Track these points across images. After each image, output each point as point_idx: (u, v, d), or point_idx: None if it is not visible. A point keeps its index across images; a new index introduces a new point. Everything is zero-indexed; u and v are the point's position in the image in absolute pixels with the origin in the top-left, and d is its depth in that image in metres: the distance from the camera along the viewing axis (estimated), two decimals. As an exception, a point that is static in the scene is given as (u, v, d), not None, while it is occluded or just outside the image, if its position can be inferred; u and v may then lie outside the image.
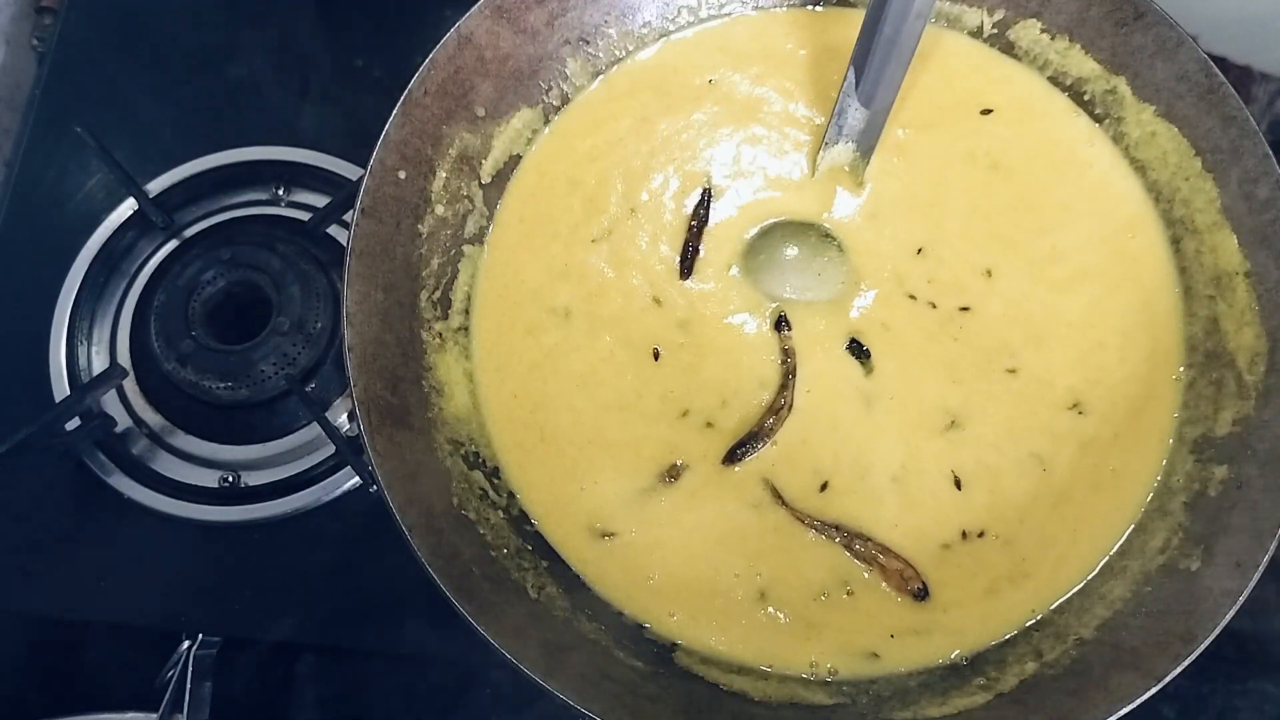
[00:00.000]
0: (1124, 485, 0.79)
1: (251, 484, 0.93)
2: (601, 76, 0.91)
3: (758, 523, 0.79)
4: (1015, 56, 0.91)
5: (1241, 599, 0.67)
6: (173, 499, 0.92)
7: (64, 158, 1.05)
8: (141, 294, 0.98)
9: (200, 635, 0.88)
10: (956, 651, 0.76)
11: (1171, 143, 0.84)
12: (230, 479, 0.93)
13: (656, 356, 0.83)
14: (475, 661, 0.88)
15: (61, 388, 0.95)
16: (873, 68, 0.77)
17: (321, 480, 0.93)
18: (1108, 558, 0.78)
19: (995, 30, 0.91)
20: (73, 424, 0.93)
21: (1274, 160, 0.78)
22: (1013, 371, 0.82)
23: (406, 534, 0.69)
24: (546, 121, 0.90)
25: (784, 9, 0.93)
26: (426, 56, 0.80)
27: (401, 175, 0.80)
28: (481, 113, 0.85)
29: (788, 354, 0.82)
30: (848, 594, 0.77)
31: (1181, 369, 0.82)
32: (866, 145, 0.84)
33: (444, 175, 0.83)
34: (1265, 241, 0.78)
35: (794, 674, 0.76)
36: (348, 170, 1.02)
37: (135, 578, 0.91)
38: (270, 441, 0.94)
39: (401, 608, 0.89)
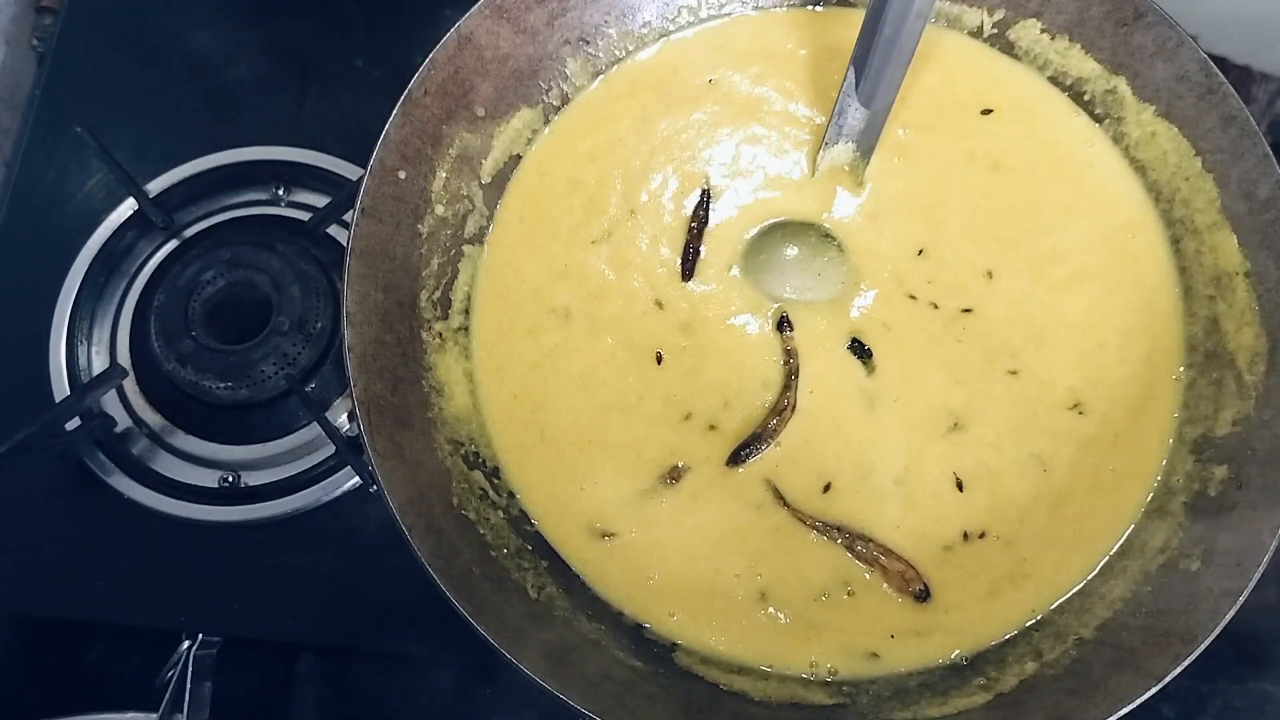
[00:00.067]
0: (1124, 485, 0.79)
1: (251, 484, 0.93)
2: (601, 76, 0.91)
3: (759, 523, 0.79)
4: (1015, 56, 0.91)
5: (1241, 599, 0.67)
6: (173, 499, 0.92)
7: (64, 158, 1.05)
8: (141, 294, 0.98)
9: (200, 635, 0.88)
10: (956, 651, 0.76)
11: (1171, 143, 0.84)
12: (230, 479, 0.93)
13: (659, 360, 0.83)
14: (475, 661, 0.88)
15: (61, 388, 0.95)
16: (873, 68, 0.77)
17: (321, 480, 0.93)
18: (1108, 558, 0.78)
19: (995, 30, 0.91)
20: (73, 424, 0.92)
21: (1274, 160, 0.78)
22: (1014, 373, 0.82)
23: (406, 534, 0.69)
24: (546, 121, 0.90)
25: (784, 9, 0.93)
26: (426, 56, 0.80)
27: (401, 175, 0.80)
28: (481, 113, 0.85)
29: (790, 354, 0.82)
30: (848, 594, 0.77)
31: (1181, 369, 0.82)
32: (866, 145, 0.84)
33: (444, 175, 0.83)
34: (1265, 241, 0.78)
35: (794, 674, 0.76)
36: (348, 170, 1.02)
37: (135, 578, 0.91)
38: (270, 441, 0.94)
39: (401, 608, 0.89)
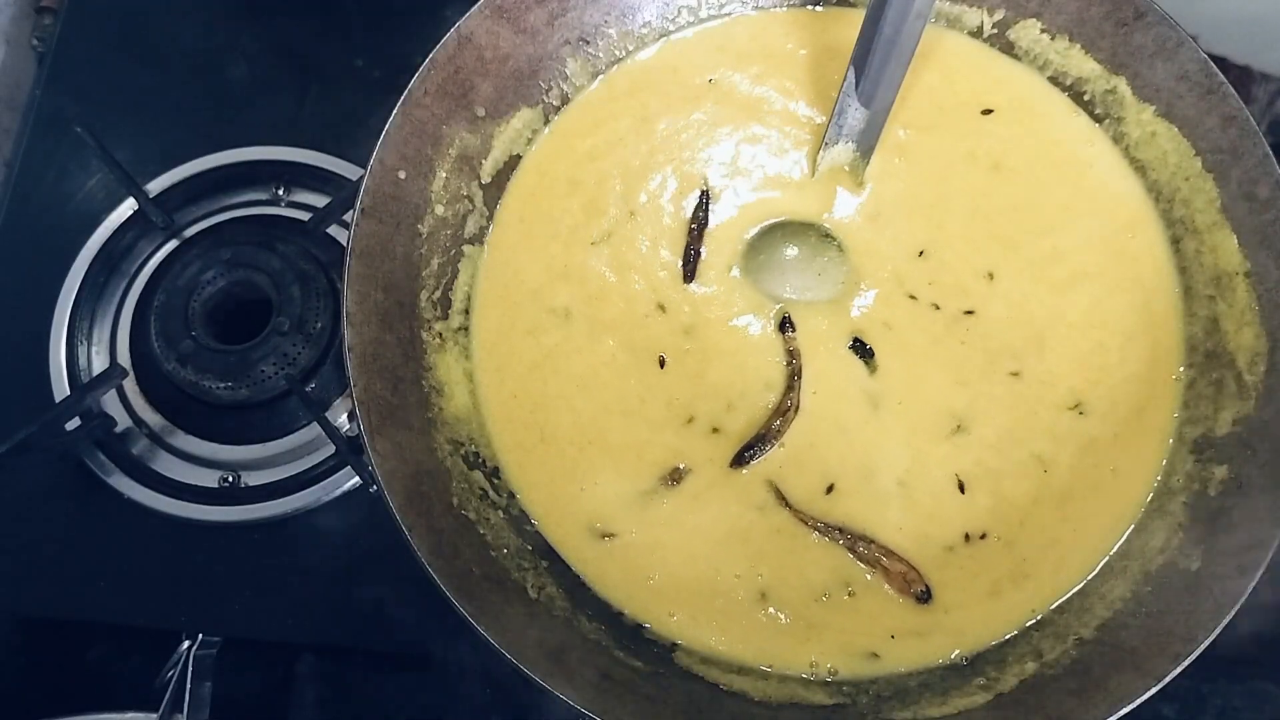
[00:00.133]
0: (1124, 485, 0.79)
1: (251, 484, 0.93)
2: (601, 76, 0.91)
3: (761, 524, 0.79)
4: (1015, 56, 0.91)
5: (1241, 599, 0.67)
6: (173, 499, 0.92)
7: (64, 158, 1.05)
8: (141, 294, 0.98)
9: (200, 635, 0.88)
10: (956, 651, 0.76)
11: (1171, 143, 0.84)
12: (230, 479, 0.93)
13: (662, 364, 0.83)
14: (475, 661, 0.88)
15: (61, 388, 0.95)
16: (873, 68, 0.77)
17: (321, 480, 0.93)
18: (1108, 558, 0.78)
19: (995, 30, 0.91)
20: (73, 424, 0.92)
21: (1274, 160, 0.78)
22: (1016, 374, 0.82)
23: (406, 534, 0.69)
24: (546, 121, 0.90)
25: (784, 9, 0.93)
26: (426, 56, 0.80)
27: (401, 175, 0.80)
28: (481, 113, 0.85)
29: (793, 355, 0.82)
30: (849, 595, 0.77)
31: (1181, 369, 0.82)
32: (866, 145, 0.84)
33: (444, 175, 0.83)
34: (1265, 241, 0.78)
35: (794, 674, 0.76)
36: (348, 170, 1.02)
37: (135, 578, 0.91)
38: (270, 441, 0.94)
39: (401, 608, 0.89)
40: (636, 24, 0.91)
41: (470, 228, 0.86)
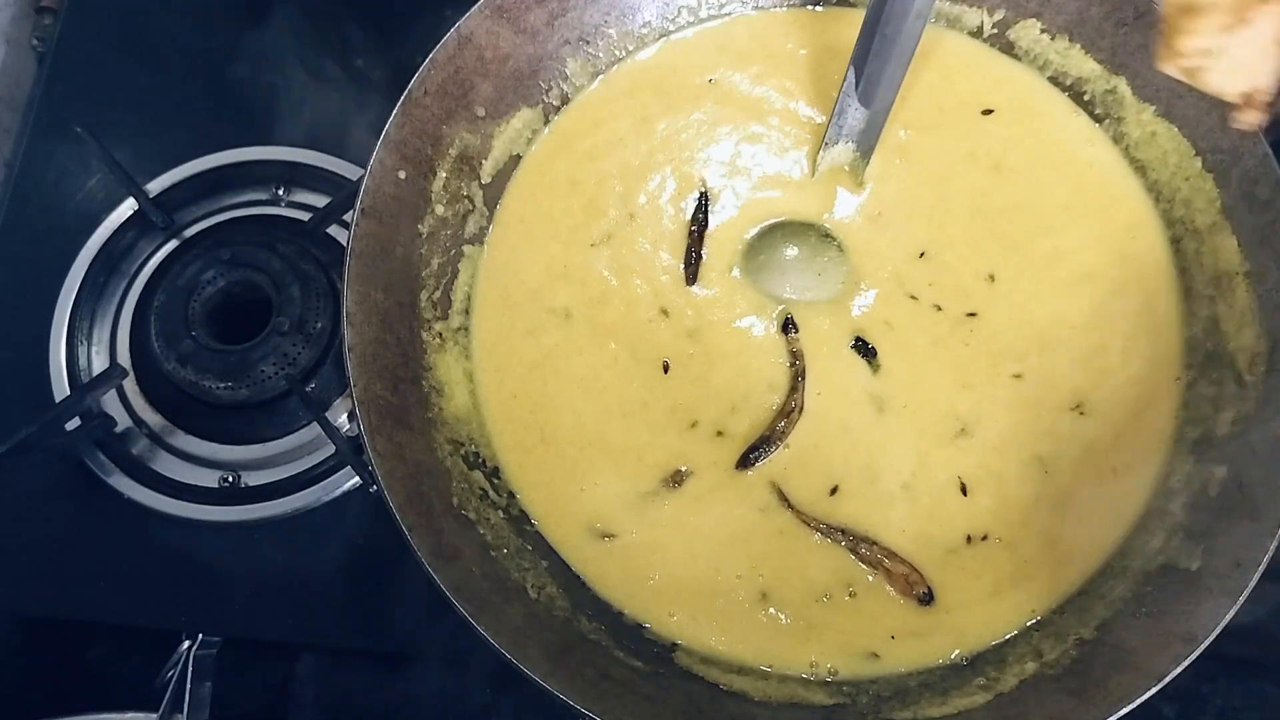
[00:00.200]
0: (1125, 486, 0.79)
1: (251, 484, 0.93)
2: (601, 76, 0.91)
3: (763, 525, 0.79)
4: (1015, 56, 0.91)
5: (1241, 599, 0.67)
6: (173, 499, 0.92)
7: (64, 158, 1.05)
8: (141, 294, 0.98)
9: (200, 635, 0.88)
10: (957, 651, 0.76)
11: (1171, 143, 0.84)
12: (230, 479, 0.93)
13: (666, 369, 0.82)
14: (475, 662, 0.88)
15: (61, 388, 0.95)
16: (873, 68, 0.77)
17: (321, 480, 0.93)
18: (1108, 558, 0.78)
19: (995, 30, 0.91)
20: (73, 424, 0.92)
21: (1274, 160, 0.78)
22: (1018, 376, 0.82)
23: (406, 534, 0.69)
24: (546, 121, 0.90)
25: (784, 9, 0.93)
26: (426, 56, 0.80)
27: (401, 175, 0.80)
28: (481, 113, 0.85)
29: (796, 356, 0.82)
30: (850, 596, 0.77)
31: (1182, 370, 0.82)
32: (866, 145, 0.84)
33: (444, 175, 0.83)
34: (1265, 241, 0.78)
35: (794, 674, 0.76)
36: (348, 170, 1.02)
37: (135, 578, 0.91)
38: (270, 441, 0.94)
39: (401, 608, 0.89)
40: (636, 24, 0.91)
41: (470, 228, 0.86)
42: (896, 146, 0.88)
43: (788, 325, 0.83)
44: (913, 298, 0.84)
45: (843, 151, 0.86)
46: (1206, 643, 0.67)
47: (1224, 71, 0.56)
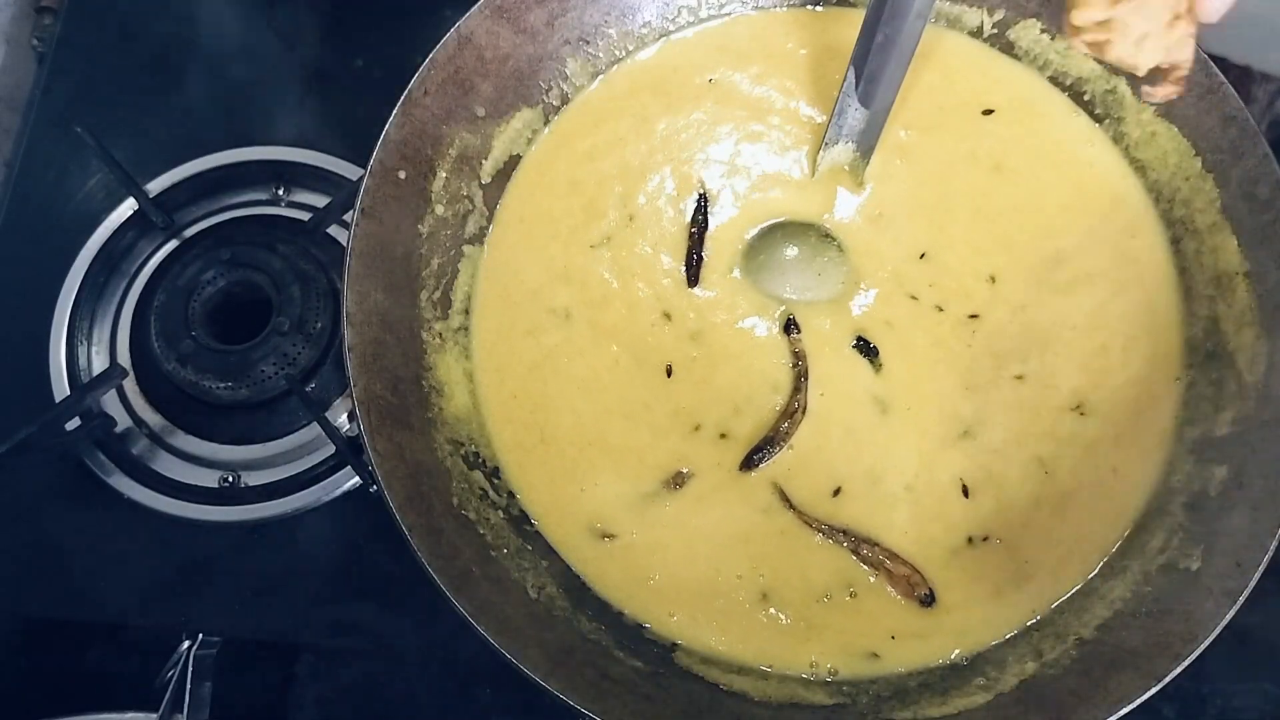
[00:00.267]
0: (1125, 486, 0.79)
1: (251, 484, 0.93)
2: (601, 76, 0.91)
3: (764, 526, 0.79)
4: (1015, 56, 0.91)
5: (1241, 599, 0.67)
6: (173, 499, 0.92)
7: (64, 158, 1.05)
8: (141, 294, 0.98)
9: (200, 635, 0.88)
10: (957, 652, 0.76)
11: (1171, 143, 0.84)
12: (230, 479, 0.93)
13: (669, 373, 0.82)
14: (475, 661, 0.88)
15: (61, 388, 0.95)
16: (873, 68, 0.77)
17: (321, 480, 0.93)
18: (1108, 558, 0.78)
19: (995, 30, 0.91)
20: (73, 424, 0.92)
21: (1274, 160, 0.78)
22: (1020, 378, 0.82)
23: (406, 534, 0.69)
24: (546, 121, 0.90)
25: (784, 9, 0.93)
26: (426, 56, 0.80)
27: (401, 175, 0.80)
28: (481, 113, 0.85)
29: (798, 357, 0.82)
30: (851, 596, 0.77)
31: (1182, 370, 0.82)
32: (866, 145, 0.84)
33: (444, 175, 0.83)
34: (1265, 241, 0.78)
35: (794, 674, 0.76)
36: (348, 170, 1.02)
37: (135, 578, 0.91)
38: (270, 441, 0.94)
39: (401, 608, 0.89)
40: (636, 24, 0.91)
41: (470, 228, 0.86)
42: (897, 147, 0.88)
43: (790, 326, 0.83)
44: (913, 298, 0.84)
45: (843, 151, 0.86)
46: (1206, 643, 0.67)
47: (1128, 45, 0.57)
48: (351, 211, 0.76)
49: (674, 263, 0.86)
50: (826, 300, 0.84)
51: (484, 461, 0.81)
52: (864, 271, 0.85)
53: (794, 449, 0.80)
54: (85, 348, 0.98)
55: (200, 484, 0.93)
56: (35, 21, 1.17)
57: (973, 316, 0.83)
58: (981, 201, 0.86)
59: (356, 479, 0.92)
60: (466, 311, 0.85)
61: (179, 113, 1.07)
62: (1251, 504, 0.72)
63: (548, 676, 0.67)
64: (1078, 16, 0.58)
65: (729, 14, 0.93)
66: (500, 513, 0.79)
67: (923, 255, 0.85)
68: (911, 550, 0.78)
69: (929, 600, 0.76)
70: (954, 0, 0.91)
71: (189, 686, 0.85)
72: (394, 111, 0.78)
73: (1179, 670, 0.66)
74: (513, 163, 0.89)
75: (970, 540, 0.78)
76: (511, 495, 0.81)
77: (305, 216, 1.00)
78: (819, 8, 0.93)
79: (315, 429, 0.93)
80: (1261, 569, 0.68)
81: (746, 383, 0.82)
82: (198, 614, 0.89)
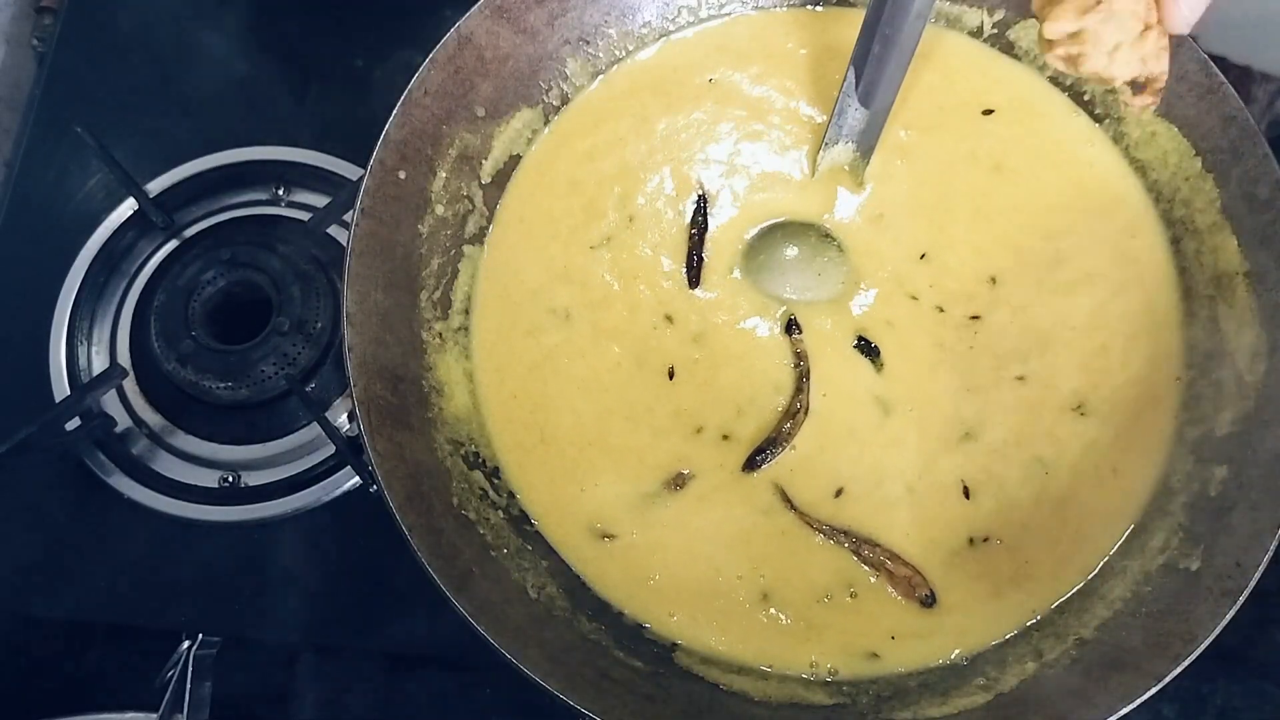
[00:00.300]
0: (1125, 486, 0.79)
1: (251, 484, 0.93)
2: (601, 76, 0.91)
3: (765, 527, 0.79)
4: (1015, 56, 0.91)
5: (1242, 599, 0.67)
6: (173, 499, 0.92)
7: (64, 158, 1.05)
8: (141, 294, 0.98)
9: (200, 635, 0.88)
10: (957, 651, 0.76)
11: (1171, 143, 0.84)
12: (230, 479, 0.93)
13: (671, 376, 0.82)
14: (475, 661, 0.88)
15: (61, 388, 0.95)
16: (873, 68, 0.77)
17: (321, 480, 0.93)
18: (1108, 558, 0.78)
19: (995, 30, 0.91)
20: (73, 424, 0.92)
21: (1274, 160, 0.78)
22: (1021, 379, 0.82)
23: (406, 534, 0.69)
24: (546, 121, 0.90)
25: (784, 8, 0.93)
26: (426, 56, 0.80)
27: (401, 175, 0.80)
28: (481, 113, 0.85)
29: (800, 357, 0.82)
30: (851, 596, 0.77)
31: (1182, 370, 0.82)
32: (866, 145, 0.84)
33: (444, 175, 0.83)
34: (1265, 241, 0.78)
35: (794, 674, 0.76)
36: (348, 170, 1.02)
37: (135, 578, 0.91)
38: (270, 441, 0.94)
39: (401, 608, 0.89)
40: (636, 24, 0.91)
41: (470, 228, 0.86)
42: (897, 147, 0.88)
43: (791, 326, 0.83)
44: (913, 298, 0.84)
45: (843, 151, 0.86)
46: (1206, 643, 0.67)
47: (1101, 57, 0.57)
48: (351, 211, 0.76)
49: (674, 265, 0.86)
50: (826, 300, 0.84)
51: (484, 461, 0.81)
52: (864, 272, 0.85)
53: (796, 449, 0.80)
54: (85, 348, 0.98)
55: (200, 484, 0.93)
56: (35, 21, 1.17)
57: (974, 318, 0.83)
58: (982, 201, 0.86)
59: (356, 479, 0.92)
60: (466, 311, 0.85)
61: (179, 113, 1.07)
62: (1251, 504, 0.72)
63: (548, 676, 0.67)
64: (1049, 29, 0.59)
65: (729, 14, 0.93)
66: (500, 513, 0.79)
67: (923, 256, 0.85)
68: (913, 551, 0.78)
69: (930, 601, 0.76)
70: (954, 0, 0.91)
71: (189, 686, 0.85)
72: (394, 111, 0.78)
73: (1179, 670, 0.66)
74: (513, 163, 0.89)
75: (971, 541, 0.78)
76: (511, 495, 0.81)
77: (305, 216, 1.00)
78: (819, 8, 0.93)
79: (315, 429, 0.93)
80: (1261, 569, 0.68)
81: (749, 383, 0.82)
82: (198, 614, 0.89)
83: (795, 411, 0.80)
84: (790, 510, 0.79)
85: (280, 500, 0.92)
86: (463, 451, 0.80)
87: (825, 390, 0.81)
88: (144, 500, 0.92)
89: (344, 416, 0.95)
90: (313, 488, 0.92)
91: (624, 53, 0.91)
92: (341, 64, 1.09)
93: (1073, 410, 0.81)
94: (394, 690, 0.90)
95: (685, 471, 0.80)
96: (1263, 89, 1.05)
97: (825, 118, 0.88)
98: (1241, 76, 1.04)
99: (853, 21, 0.81)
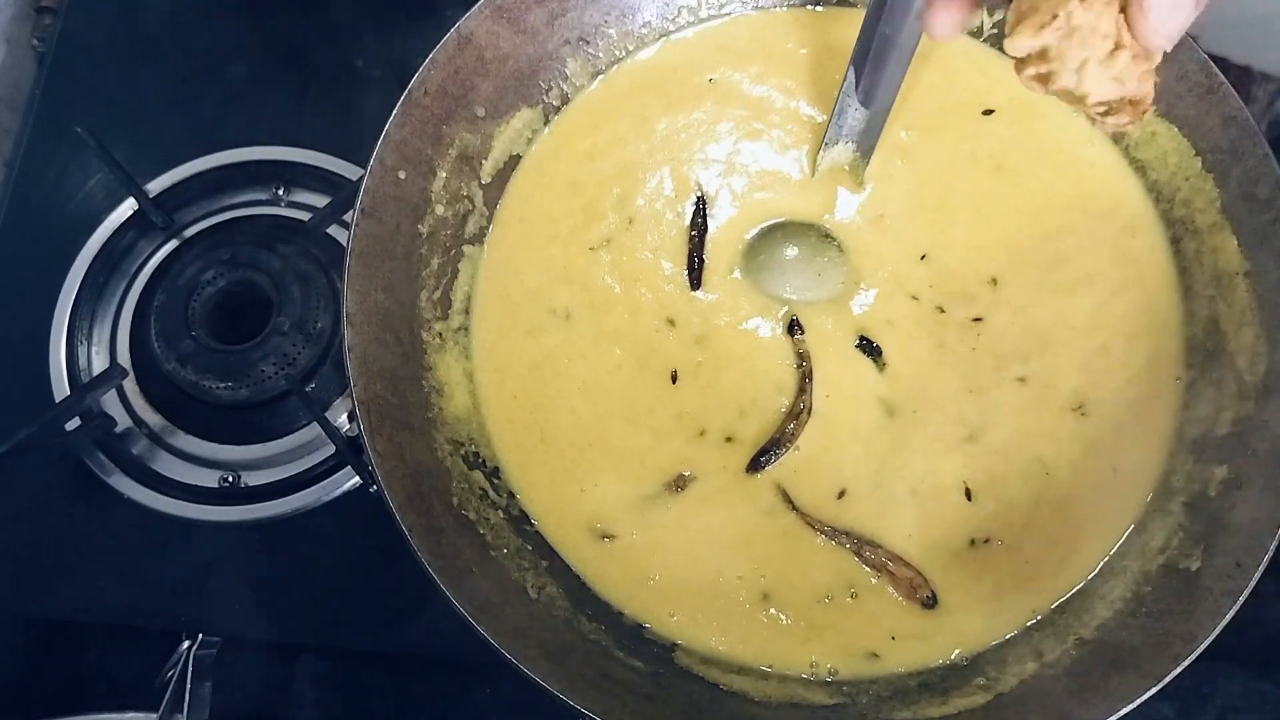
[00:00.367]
0: (1125, 485, 0.79)
1: (251, 484, 0.93)
2: (601, 76, 0.91)
3: (767, 527, 0.79)
4: (1016, 56, 0.91)
5: (1241, 599, 0.67)
6: (173, 499, 0.92)
7: (64, 158, 1.05)
8: (141, 294, 0.98)
9: (200, 635, 0.88)
10: (957, 652, 0.76)
11: (1171, 143, 0.84)
12: (230, 479, 0.93)
13: (674, 379, 0.82)
14: (475, 661, 0.88)
15: (61, 388, 0.95)
16: (873, 68, 0.77)
17: (321, 480, 0.93)
18: (1108, 558, 0.78)
19: (995, 30, 0.91)
20: (73, 424, 0.92)
21: (1274, 160, 0.78)
22: (1022, 380, 0.82)
23: (406, 534, 0.69)
24: (546, 121, 0.90)
25: (784, 8, 0.93)
26: (426, 56, 0.80)
27: (401, 175, 0.80)
28: (481, 113, 0.85)
29: (803, 358, 0.82)
30: (852, 597, 0.77)
31: (1182, 370, 0.82)
32: (866, 145, 0.84)
33: (444, 175, 0.83)
34: (1265, 241, 0.78)
35: (794, 674, 0.76)
36: (348, 170, 1.02)
37: (135, 578, 0.91)
38: (270, 441, 0.94)
39: (401, 608, 0.89)
40: (636, 24, 0.91)
41: (470, 228, 0.86)
42: (897, 147, 0.88)
43: (793, 326, 0.83)
44: (914, 298, 0.84)
45: (843, 151, 0.86)
46: (1206, 643, 0.67)
47: (1069, 74, 0.55)
48: (351, 211, 0.76)
49: (675, 268, 0.85)
50: (826, 300, 0.84)
51: (484, 461, 0.81)
52: (864, 272, 0.85)
53: (800, 450, 0.80)
54: (85, 348, 0.98)
55: (200, 484, 0.93)
56: (35, 21, 1.17)
57: (977, 320, 0.83)
58: (982, 202, 0.86)
59: (356, 479, 0.92)
60: (466, 311, 0.85)
61: (179, 113, 1.07)
62: (1251, 504, 0.72)
63: (548, 676, 0.67)
64: (1010, 46, 0.57)
65: (729, 14, 0.93)
66: (500, 513, 0.79)
67: (923, 256, 0.85)
68: (914, 553, 0.78)
69: (931, 603, 0.76)
70: (954, 0, 0.91)
71: (189, 686, 0.85)
72: (394, 111, 0.78)
73: (1179, 670, 0.66)
74: (513, 163, 0.89)
75: (972, 542, 0.78)
76: (511, 495, 0.81)
77: (305, 216, 1.00)
78: (819, 8, 0.93)
79: (315, 429, 0.93)
80: (1261, 569, 0.68)
81: (751, 385, 0.82)
82: (198, 614, 0.89)
83: (799, 412, 0.80)
84: (792, 511, 0.79)
85: (280, 500, 0.92)
86: (463, 451, 0.80)
87: (828, 391, 0.81)
88: (144, 500, 0.92)
89: (344, 416, 0.95)
90: (313, 488, 0.92)
91: (624, 53, 0.91)
92: (341, 64, 1.09)
93: (1073, 410, 0.81)
94: (394, 690, 0.90)
95: (686, 473, 0.80)
96: (1263, 89, 1.05)
97: (825, 118, 0.88)
98: (1241, 76, 1.04)
99: (853, 21, 0.81)
